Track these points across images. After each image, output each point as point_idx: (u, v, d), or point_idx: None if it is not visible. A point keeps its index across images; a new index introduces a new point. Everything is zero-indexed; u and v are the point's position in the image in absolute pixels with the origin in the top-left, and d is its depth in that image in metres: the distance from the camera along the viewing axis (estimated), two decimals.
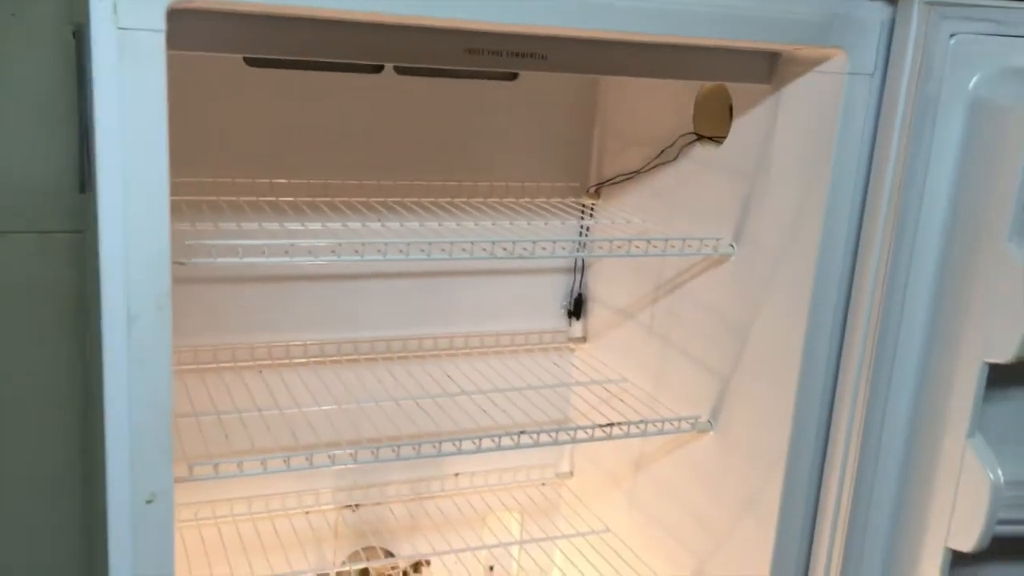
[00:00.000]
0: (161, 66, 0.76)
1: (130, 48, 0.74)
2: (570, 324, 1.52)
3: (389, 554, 1.45)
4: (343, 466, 1.17)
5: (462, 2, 0.87)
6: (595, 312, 1.50)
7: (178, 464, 0.96)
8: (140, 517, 0.85)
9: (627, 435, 1.19)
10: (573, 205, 1.41)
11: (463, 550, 1.38)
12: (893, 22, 0.98)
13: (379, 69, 1.32)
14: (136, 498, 0.84)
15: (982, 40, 0.95)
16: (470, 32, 0.93)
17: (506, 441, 1.13)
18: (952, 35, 0.95)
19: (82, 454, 1.35)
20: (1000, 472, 0.96)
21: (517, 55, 0.97)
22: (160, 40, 0.75)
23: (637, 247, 1.15)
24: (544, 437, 1.15)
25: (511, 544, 1.48)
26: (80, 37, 0.85)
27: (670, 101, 1.29)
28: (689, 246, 1.17)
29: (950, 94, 0.96)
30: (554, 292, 1.52)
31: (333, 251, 1.01)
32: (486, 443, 1.13)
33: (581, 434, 1.18)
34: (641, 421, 1.20)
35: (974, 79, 0.96)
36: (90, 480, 1.35)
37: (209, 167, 1.23)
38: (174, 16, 0.77)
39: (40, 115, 1.25)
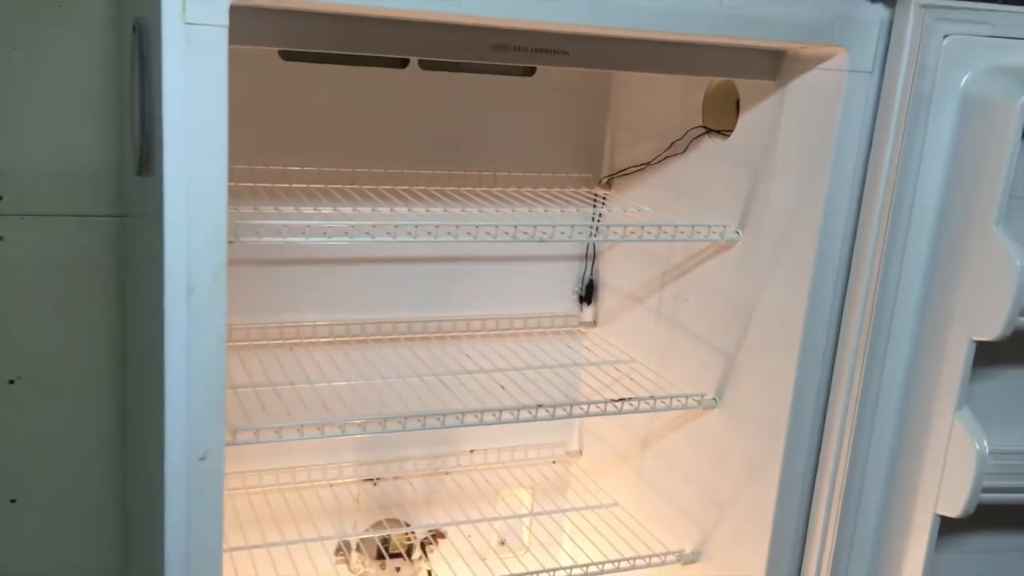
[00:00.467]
0: (223, 58, 0.83)
1: (196, 42, 0.82)
2: (581, 309, 1.60)
3: (407, 525, 1.52)
4: (368, 435, 1.23)
5: (492, 0, 0.94)
6: (605, 297, 1.58)
7: None
8: (194, 473, 0.93)
9: (636, 411, 1.27)
10: (586, 195, 1.49)
11: (478, 520, 1.46)
12: (891, 23, 1.05)
13: (404, 64, 1.39)
14: (191, 456, 0.92)
15: (973, 41, 1.03)
16: (497, 29, 1.00)
17: (524, 414, 1.21)
18: (946, 36, 1.02)
19: (119, 418, 1.43)
20: (986, 443, 1.04)
21: (540, 51, 1.04)
22: (223, 34, 0.83)
23: (648, 233, 1.23)
24: (560, 411, 1.23)
25: (523, 516, 1.55)
26: (142, 31, 0.92)
27: (680, 96, 1.36)
28: (697, 232, 1.24)
29: (943, 90, 1.03)
30: (566, 278, 1.59)
31: (367, 232, 1.09)
32: (506, 416, 1.21)
33: (594, 408, 1.26)
34: (650, 397, 1.28)
35: (966, 77, 1.03)
36: (124, 439, 1.43)
37: (247, 155, 1.30)
38: (235, 12, 0.84)
39: (84, 104, 1.33)
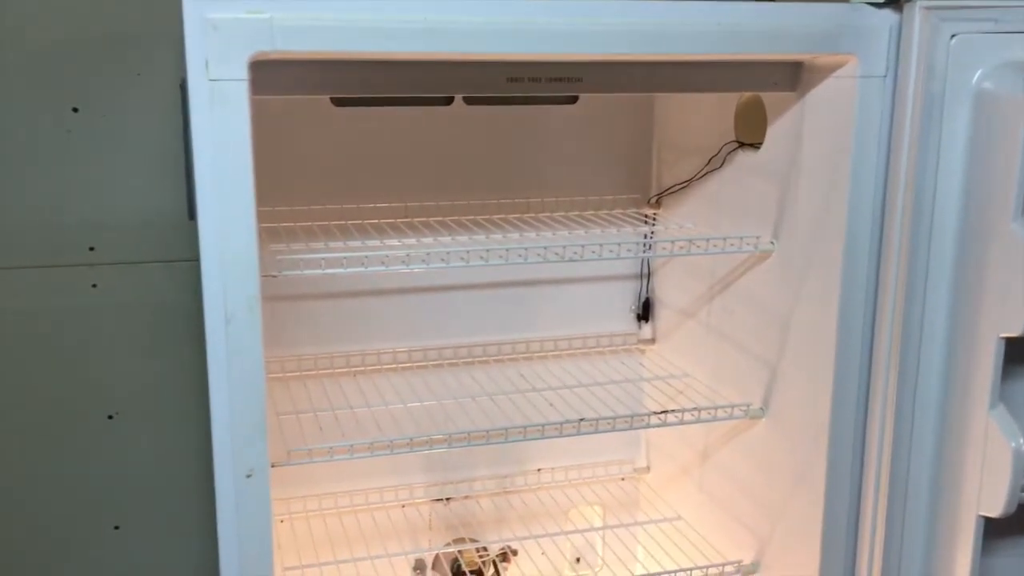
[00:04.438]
0: (245, 109, 0.92)
1: (219, 96, 0.91)
2: (640, 327, 1.63)
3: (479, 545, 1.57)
4: (427, 452, 1.28)
5: (500, 38, 1.00)
6: (662, 314, 1.60)
7: (279, 453, 1.13)
8: (242, 490, 1.01)
9: (681, 422, 1.29)
10: (636, 215, 1.52)
11: (545, 536, 1.50)
12: (900, 27, 1.06)
13: (450, 101, 1.46)
14: (238, 473, 1.00)
15: (982, 38, 1.03)
16: (508, 63, 1.06)
17: (585, 426, 1.25)
18: (953, 35, 1.03)
19: (208, 448, 1.54)
20: (1022, 441, 1.02)
21: (554, 80, 1.09)
22: (244, 88, 0.92)
23: (680, 247, 1.26)
24: (603, 424, 1.26)
25: (588, 531, 1.58)
26: (185, 88, 1.03)
27: (715, 112, 1.39)
28: (731, 244, 1.26)
29: (955, 89, 1.04)
30: (624, 297, 1.62)
31: (403, 261, 1.16)
32: (567, 428, 1.25)
33: (638, 421, 1.29)
34: (695, 408, 1.30)
35: (977, 74, 1.03)
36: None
37: (303, 195, 1.40)
38: (256, 67, 0.93)
39: (161, 159, 1.46)
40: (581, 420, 1.26)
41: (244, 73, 0.91)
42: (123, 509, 1.55)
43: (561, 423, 1.25)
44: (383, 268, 1.15)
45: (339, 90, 1.04)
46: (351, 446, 1.18)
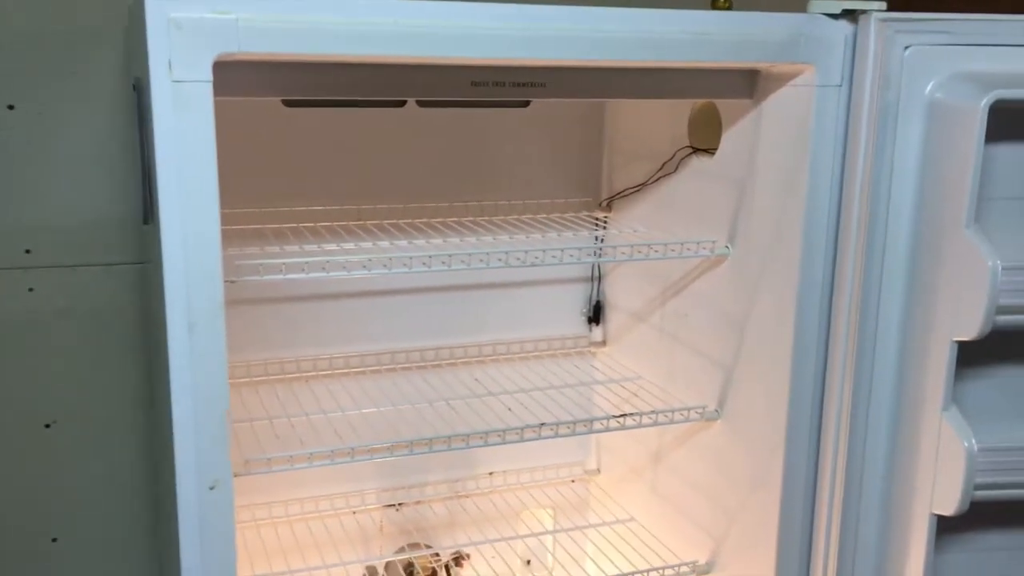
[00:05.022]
0: (209, 111, 0.90)
1: (183, 97, 0.88)
2: (591, 330, 1.64)
3: (429, 548, 1.56)
4: (383, 459, 1.27)
5: (468, 42, 0.99)
6: (613, 317, 1.62)
7: (236, 462, 1.10)
8: (206, 502, 0.98)
9: (639, 425, 1.30)
10: (587, 218, 1.53)
11: (499, 540, 1.49)
12: (856, 38, 1.09)
13: (402, 104, 1.45)
14: (201, 485, 0.97)
15: (935, 50, 1.06)
16: (475, 67, 1.06)
17: (529, 433, 1.25)
18: (907, 47, 1.06)
19: (149, 458, 1.50)
20: (974, 440, 1.06)
21: (517, 84, 1.09)
22: (208, 89, 0.89)
23: (639, 251, 1.27)
24: (563, 429, 1.27)
25: (542, 534, 1.59)
26: (140, 89, 0.99)
27: (668, 118, 1.40)
28: (687, 248, 1.28)
29: (909, 99, 1.06)
30: (575, 301, 1.63)
31: (364, 266, 1.14)
32: (528, 433, 1.25)
33: (597, 425, 1.30)
34: (652, 412, 1.31)
35: (930, 84, 1.06)
36: (156, 476, 1.50)
37: (253, 198, 1.37)
38: (219, 68, 0.90)
39: (102, 160, 1.41)
40: (542, 425, 1.26)
41: (208, 75, 0.89)
42: (60, 521, 1.50)
43: (522, 428, 1.25)
44: (345, 273, 1.13)
45: (302, 92, 1.02)
46: (311, 454, 1.16)
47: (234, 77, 0.96)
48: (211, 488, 0.98)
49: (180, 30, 0.87)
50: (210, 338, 0.94)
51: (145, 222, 1.03)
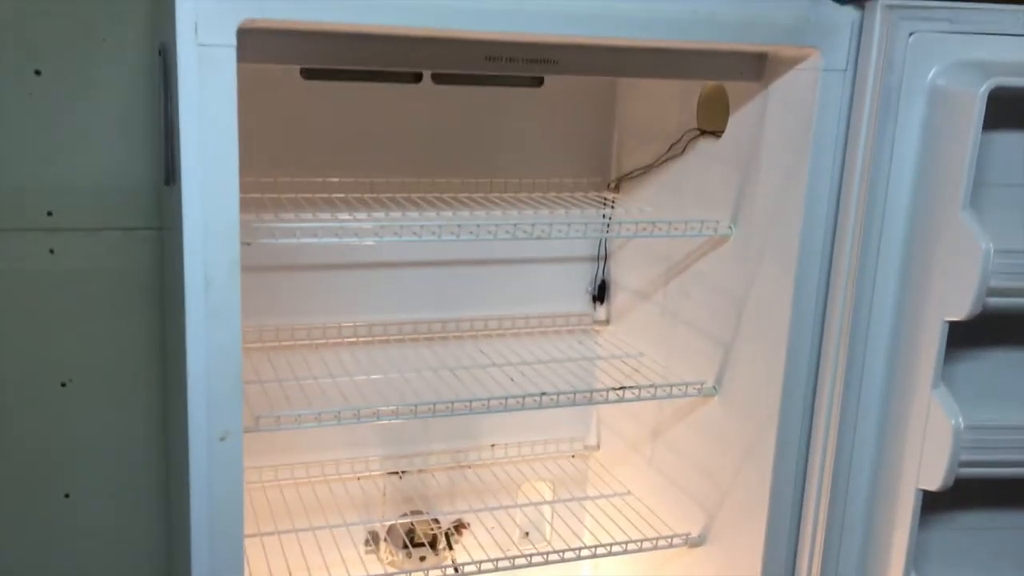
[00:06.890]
0: (232, 75, 0.93)
1: (208, 61, 0.92)
2: (595, 308, 1.67)
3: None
4: (388, 422, 1.31)
5: (484, 16, 1.02)
6: (617, 296, 1.65)
7: (246, 419, 1.13)
8: (215, 453, 1.02)
9: (638, 398, 1.34)
10: (595, 198, 1.56)
11: (498, 508, 1.53)
12: (861, 23, 1.12)
13: (419, 79, 1.48)
14: (212, 435, 1.01)
15: (938, 37, 1.09)
16: (488, 42, 1.09)
17: (529, 402, 1.28)
18: (911, 33, 1.08)
19: (161, 416, 1.54)
20: (961, 418, 1.09)
21: (531, 61, 1.12)
22: (232, 54, 0.93)
23: (644, 229, 1.30)
24: (564, 399, 1.30)
25: (541, 504, 1.62)
26: (165, 53, 1.03)
27: (678, 100, 1.43)
28: (692, 228, 1.31)
29: (911, 85, 1.09)
30: (580, 279, 1.67)
31: (376, 232, 1.18)
32: (529, 402, 1.28)
33: (597, 396, 1.33)
34: (651, 386, 1.34)
35: (932, 71, 1.09)
36: (168, 437, 1.54)
37: (271, 169, 1.40)
38: (243, 33, 0.94)
39: (126, 125, 1.45)
40: (543, 394, 1.29)
41: (233, 39, 0.93)
42: (73, 477, 1.54)
43: (523, 396, 1.28)
44: (356, 240, 1.17)
45: (320, 61, 1.06)
46: (319, 415, 1.19)
47: (256, 44, 0.99)
48: (222, 439, 1.01)
49: None
50: (226, 294, 0.97)
51: (167, 183, 1.06)
